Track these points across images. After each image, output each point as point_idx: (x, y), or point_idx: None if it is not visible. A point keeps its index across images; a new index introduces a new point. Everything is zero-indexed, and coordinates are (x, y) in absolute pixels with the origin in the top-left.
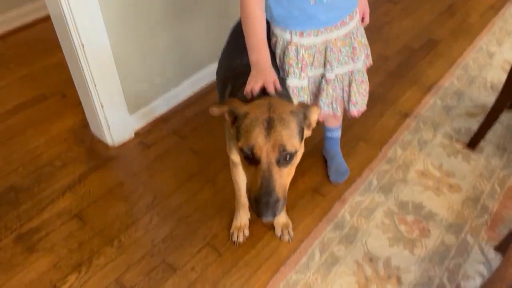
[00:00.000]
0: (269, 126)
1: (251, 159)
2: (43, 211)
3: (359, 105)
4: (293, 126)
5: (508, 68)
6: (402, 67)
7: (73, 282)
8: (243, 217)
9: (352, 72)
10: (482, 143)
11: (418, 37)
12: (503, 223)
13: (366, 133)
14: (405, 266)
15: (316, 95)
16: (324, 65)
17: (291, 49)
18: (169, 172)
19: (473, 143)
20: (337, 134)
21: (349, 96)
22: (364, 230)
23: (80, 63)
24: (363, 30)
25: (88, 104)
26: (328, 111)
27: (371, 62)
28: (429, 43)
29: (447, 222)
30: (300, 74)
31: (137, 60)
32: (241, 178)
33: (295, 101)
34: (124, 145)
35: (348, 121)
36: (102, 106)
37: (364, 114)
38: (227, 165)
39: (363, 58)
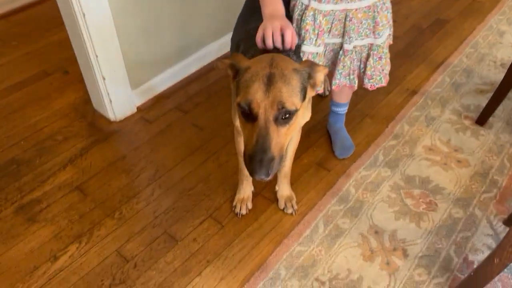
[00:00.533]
0: (269, 82)
1: (248, 116)
2: (44, 183)
3: (373, 80)
4: (295, 84)
5: None
6: (410, 47)
7: (73, 252)
8: (246, 189)
9: (371, 46)
10: (491, 119)
11: (427, 17)
12: None
13: (372, 109)
14: (411, 239)
15: (334, 64)
16: (343, 35)
17: (309, 14)
18: (172, 146)
19: (482, 119)
20: (344, 110)
21: (365, 69)
22: (369, 204)
23: (81, 33)
24: (389, 5)
25: (89, 76)
26: (344, 82)
27: (391, 41)
28: (438, 23)
29: (455, 196)
30: (316, 40)
31: (139, 34)
32: (243, 146)
33: None
34: (126, 120)
35: (354, 97)
36: (104, 79)
37: (370, 91)
38: (231, 140)
39: (386, 34)
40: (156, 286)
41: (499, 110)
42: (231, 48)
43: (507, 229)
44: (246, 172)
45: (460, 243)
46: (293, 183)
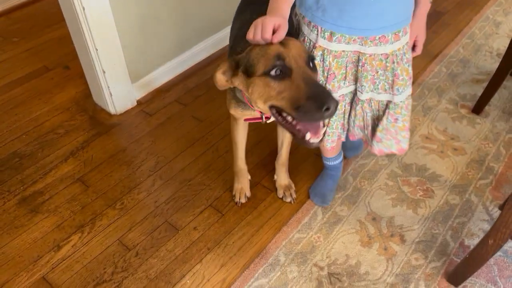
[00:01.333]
0: (283, 41)
1: (279, 75)
2: (46, 175)
3: (382, 145)
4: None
5: None
6: None
7: (76, 242)
8: (242, 180)
9: (388, 104)
10: (487, 108)
11: None
12: (508, 184)
13: None
14: (408, 225)
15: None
16: (356, 81)
17: (317, 54)
18: (172, 138)
19: (478, 107)
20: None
21: (375, 128)
22: (367, 192)
23: (81, 27)
24: (410, 57)
25: (90, 70)
26: (360, 135)
27: (411, 101)
28: (435, 15)
29: (451, 183)
30: (325, 84)
31: (139, 27)
32: (240, 135)
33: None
34: (126, 113)
35: None
36: (104, 73)
37: None
38: (230, 131)
39: (407, 93)
40: (157, 273)
41: (495, 99)
42: (229, 40)
43: None
44: (240, 163)
45: (457, 228)
46: (292, 172)
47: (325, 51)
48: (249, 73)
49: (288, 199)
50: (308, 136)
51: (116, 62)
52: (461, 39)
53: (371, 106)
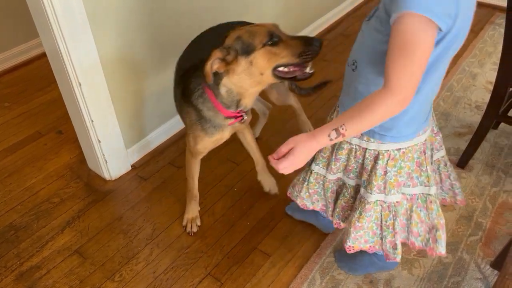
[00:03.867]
0: (263, 24)
1: (276, 42)
2: (42, 248)
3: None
4: None
5: (491, 88)
6: None
7: None
8: (194, 208)
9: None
10: (471, 162)
11: None
12: (497, 239)
13: None
14: (405, 286)
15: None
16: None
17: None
18: (167, 203)
19: (462, 162)
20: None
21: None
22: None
23: (78, 102)
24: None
25: (85, 140)
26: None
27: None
28: None
29: None
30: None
31: (133, 97)
32: (195, 169)
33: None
34: (121, 179)
35: None
36: (99, 142)
37: None
38: (225, 193)
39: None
40: None
41: (478, 153)
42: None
43: (495, 271)
44: (195, 192)
45: None
46: (288, 236)
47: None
48: (248, 51)
49: (274, 192)
50: (308, 68)
51: (111, 131)
52: (440, 92)
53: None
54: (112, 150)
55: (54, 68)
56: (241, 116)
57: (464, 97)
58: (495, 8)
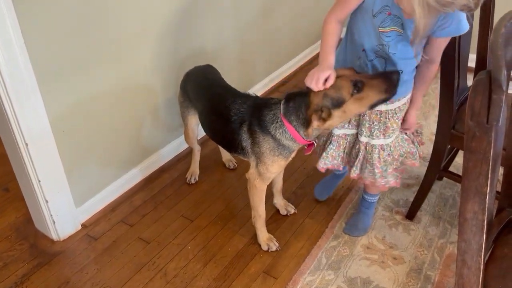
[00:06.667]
0: (341, 73)
1: (361, 88)
2: None
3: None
4: None
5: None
6: None
7: None
8: (265, 230)
9: (382, 146)
10: (419, 213)
11: None
12: None
13: (311, 209)
14: None
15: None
16: (357, 126)
17: None
18: (118, 264)
19: (410, 214)
20: (372, 199)
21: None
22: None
23: (24, 162)
24: (401, 115)
25: (31, 201)
26: (357, 174)
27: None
28: None
29: None
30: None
31: (83, 155)
32: (264, 194)
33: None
34: (70, 239)
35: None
36: (47, 202)
37: (303, 192)
38: (178, 253)
39: (395, 135)
40: None
41: (425, 204)
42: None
43: None
44: (264, 216)
45: None
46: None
47: None
48: (339, 104)
49: (292, 211)
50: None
51: (60, 190)
52: None
53: (367, 150)
54: (60, 209)
55: None
56: (313, 143)
57: None
58: None
